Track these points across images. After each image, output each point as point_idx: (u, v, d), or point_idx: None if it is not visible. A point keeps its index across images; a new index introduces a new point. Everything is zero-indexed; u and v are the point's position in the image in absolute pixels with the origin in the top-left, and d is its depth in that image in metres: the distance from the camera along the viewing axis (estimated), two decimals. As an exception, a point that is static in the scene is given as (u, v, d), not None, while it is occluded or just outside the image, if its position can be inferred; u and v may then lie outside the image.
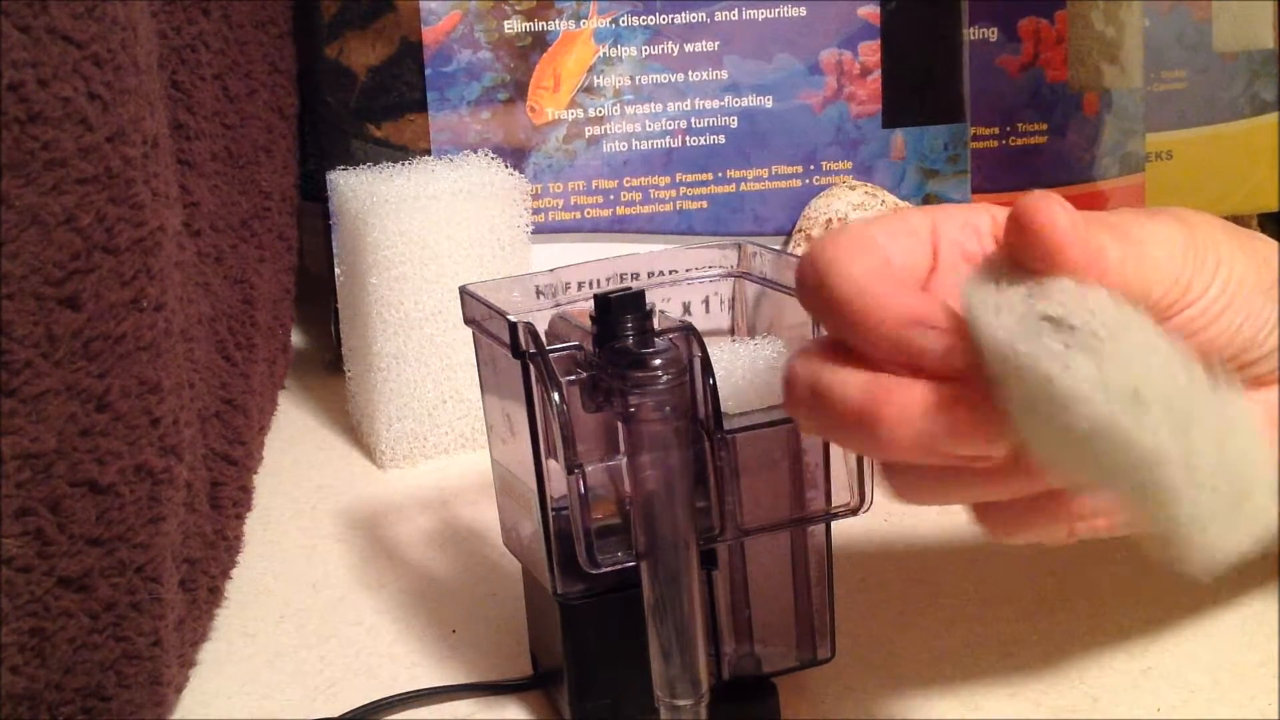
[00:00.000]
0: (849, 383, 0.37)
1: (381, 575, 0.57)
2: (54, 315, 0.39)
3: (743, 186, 0.77)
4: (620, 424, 0.40)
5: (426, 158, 0.72)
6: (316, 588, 0.56)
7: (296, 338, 0.79)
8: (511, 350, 0.41)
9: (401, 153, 0.73)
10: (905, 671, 0.48)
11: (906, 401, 0.36)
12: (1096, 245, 0.36)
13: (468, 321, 0.46)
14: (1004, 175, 0.84)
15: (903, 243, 0.39)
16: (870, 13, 0.77)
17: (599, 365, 0.41)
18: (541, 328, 0.43)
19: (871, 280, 0.37)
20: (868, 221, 0.40)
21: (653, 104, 0.76)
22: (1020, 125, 0.84)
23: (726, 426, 0.41)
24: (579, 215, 0.76)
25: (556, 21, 0.74)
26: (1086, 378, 0.32)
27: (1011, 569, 0.54)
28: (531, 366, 0.41)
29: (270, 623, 0.53)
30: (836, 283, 0.37)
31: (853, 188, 0.76)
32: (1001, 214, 0.40)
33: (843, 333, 0.38)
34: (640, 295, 0.41)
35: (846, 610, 0.49)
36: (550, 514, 0.42)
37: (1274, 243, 0.43)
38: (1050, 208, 0.36)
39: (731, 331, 0.49)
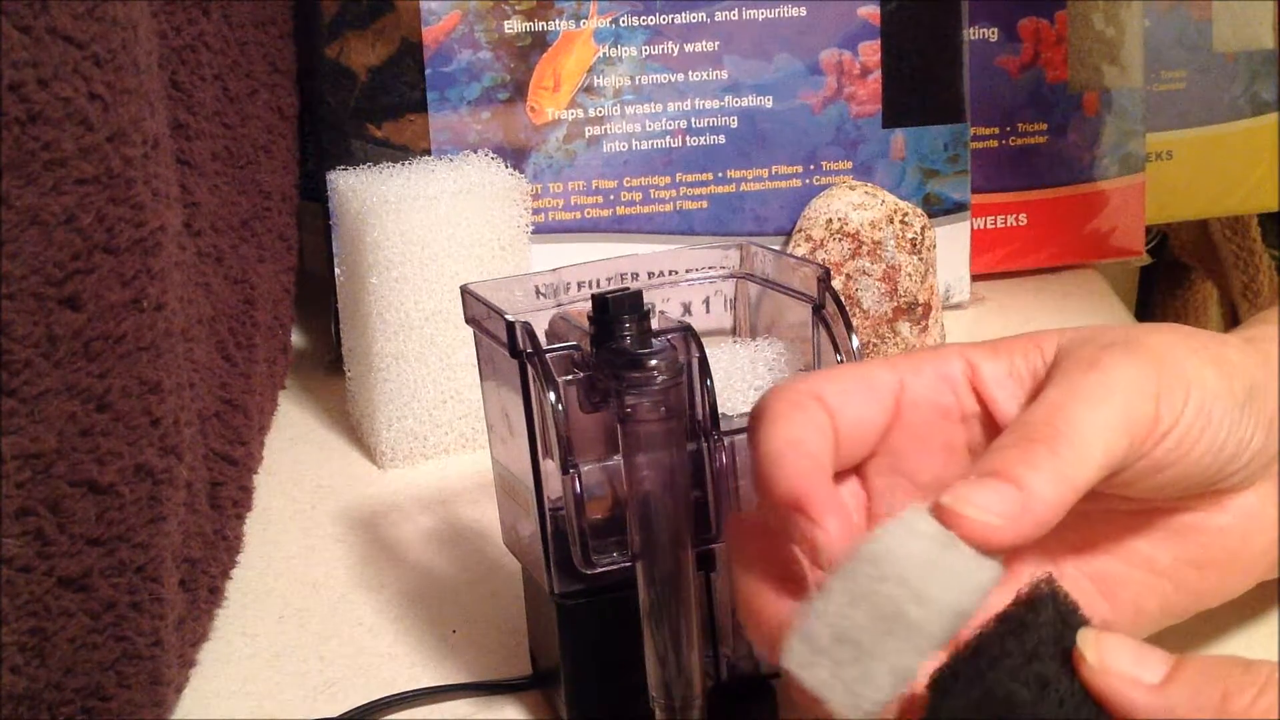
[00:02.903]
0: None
1: (381, 575, 0.57)
2: (54, 315, 0.39)
3: (743, 186, 0.77)
4: (618, 424, 0.40)
5: (426, 158, 0.72)
6: (316, 588, 0.56)
7: (296, 338, 0.79)
8: (509, 350, 0.41)
9: (401, 153, 0.73)
10: (904, 671, 0.48)
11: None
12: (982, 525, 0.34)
13: (469, 321, 0.46)
14: (1004, 175, 0.84)
15: (856, 401, 0.39)
16: (870, 13, 0.77)
17: (596, 366, 0.41)
18: (542, 328, 0.43)
19: (787, 448, 0.37)
20: (828, 373, 0.40)
21: (653, 104, 0.76)
22: (1020, 125, 0.84)
23: (724, 428, 0.41)
24: (579, 215, 0.76)
25: (556, 21, 0.74)
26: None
27: (1010, 569, 0.54)
28: (529, 366, 0.41)
29: (270, 623, 0.53)
30: (760, 441, 0.38)
31: (852, 188, 0.76)
32: (980, 357, 0.40)
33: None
34: (638, 295, 0.41)
35: (845, 610, 0.49)
36: (547, 514, 0.42)
37: (1238, 344, 0.42)
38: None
39: (733, 332, 0.49)
